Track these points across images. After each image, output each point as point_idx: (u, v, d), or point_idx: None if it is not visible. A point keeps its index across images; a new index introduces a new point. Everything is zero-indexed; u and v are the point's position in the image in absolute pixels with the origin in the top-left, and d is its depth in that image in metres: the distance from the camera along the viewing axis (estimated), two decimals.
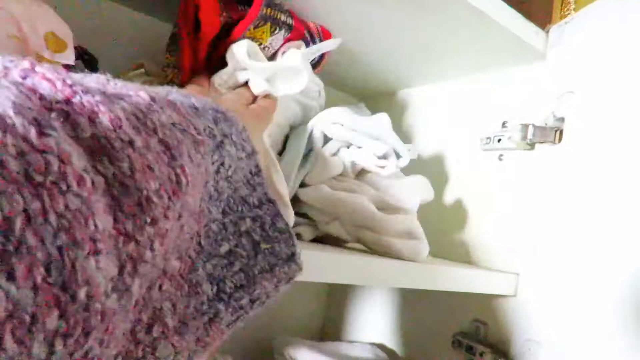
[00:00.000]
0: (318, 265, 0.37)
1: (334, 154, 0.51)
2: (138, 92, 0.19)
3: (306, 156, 0.50)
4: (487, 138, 0.62)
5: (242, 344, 0.74)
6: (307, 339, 0.71)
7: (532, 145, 0.57)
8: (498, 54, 0.60)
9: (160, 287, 0.20)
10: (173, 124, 0.20)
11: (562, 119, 0.53)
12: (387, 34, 0.58)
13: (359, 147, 0.50)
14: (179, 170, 0.19)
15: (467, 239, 0.63)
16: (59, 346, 0.13)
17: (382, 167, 0.53)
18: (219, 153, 0.24)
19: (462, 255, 0.63)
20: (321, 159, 0.48)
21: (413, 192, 0.49)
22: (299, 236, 0.49)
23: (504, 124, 0.62)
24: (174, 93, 0.23)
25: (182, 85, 0.43)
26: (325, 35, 0.53)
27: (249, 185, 0.27)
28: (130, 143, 0.17)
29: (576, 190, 0.50)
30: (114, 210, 0.15)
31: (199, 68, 0.44)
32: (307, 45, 0.50)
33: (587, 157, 0.50)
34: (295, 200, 0.49)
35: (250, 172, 0.27)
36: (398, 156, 0.56)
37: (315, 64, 0.54)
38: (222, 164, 0.25)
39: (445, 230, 0.66)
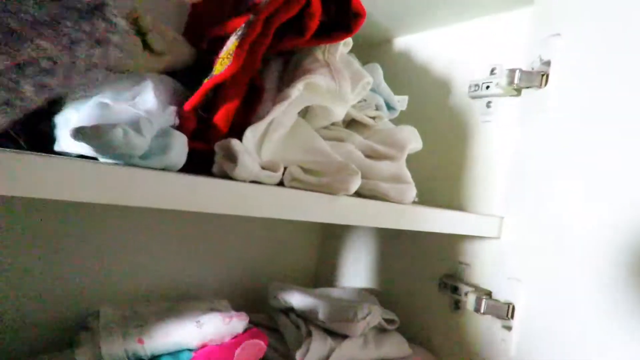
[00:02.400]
0: (308, 206, 0.38)
1: None
2: None
3: None
4: (476, 85, 0.63)
5: (239, 290, 0.77)
6: (301, 286, 0.74)
7: (518, 91, 0.57)
8: (487, 0, 0.59)
9: None
10: None
11: (548, 63, 0.53)
12: None
13: None
14: None
15: (455, 186, 0.65)
16: None
17: (373, 117, 0.53)
18: None
19: (449, 201, 0.65)
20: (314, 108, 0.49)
21: (401, 141, 0.50)
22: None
23: (492, 71, 0.63)
24: None
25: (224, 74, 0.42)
26: None
27: None
28: None
29: (560, 133, 0.51)
30: None
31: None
32: None
33: (571, 100, 0.51)
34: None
35: None
36: (389, 107, 0.56)
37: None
38: None
39: (433, 177, 0.68)
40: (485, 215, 0.57)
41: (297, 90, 0.43)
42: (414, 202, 0.49)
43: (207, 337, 0.48)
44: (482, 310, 0.54)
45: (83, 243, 0.61)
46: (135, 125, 0.33)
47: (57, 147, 0.35)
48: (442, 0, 0.62)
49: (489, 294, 0.57)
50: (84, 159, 0.31)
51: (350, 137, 0.51)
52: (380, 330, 0.62)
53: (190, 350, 0.48)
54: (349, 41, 0.50)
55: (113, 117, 0.34)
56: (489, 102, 0.62)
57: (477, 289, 0.59)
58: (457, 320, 0.61)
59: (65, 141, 0.34)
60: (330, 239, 0.87)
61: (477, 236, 0.59)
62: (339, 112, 0.47)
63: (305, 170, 0.44)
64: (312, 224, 0.87)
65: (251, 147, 0.42)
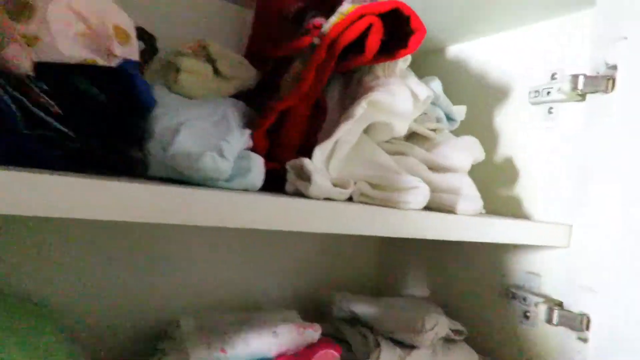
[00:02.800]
0: (377, 220, 0.39)
1: None
2: None
3: None
4: (536, 91, 0.62)
5: (302, 300, 0.80)
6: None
7: (583, 96, 0.56)
8: (546, 3, 0.59)
9: None
10: None
11: (614, 67, 0.52)
12: None
13: None
14: None
15: (520, 194, 0.64)
16: None
17: (433, 130, 0.54)
18: None
19: (515, 210, 0.64)
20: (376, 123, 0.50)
21: (463, 152, 0.51)
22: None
23: (553, 76, 0.62)
24: None
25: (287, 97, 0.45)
26: None
27: None
28: None
29: (631, 139, 0.50)
30: None
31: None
32: None
33: None
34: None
35: None
36: (448, 118, 0.57)
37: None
38: None
39: (497, 186, 0.67)
40: (553, 223, 0.56)
41: (362, 109, 0.45)
42: (480, 214, 0.50)
43: (284, 347, 0.50)
44: (554, 322, 0.53)
45: (160, 259, 0.65)
46: (220, 150, 0.36)
47: (150, 172, 0.38)
48: (496, 8, 0.62)
49: (560, 304, 0.55)
50: (176, 184, 0.34)
51: (413, 151, 0.52)
52: (448, 340, 0.62)
53: (268, 359, 0.50)
54: (407, 57, 0.52)
55: (200, 143, 0.37)
56: (551, 108, 0.61)
57: (547, 299, 0.58)
58: (526, 331, 0.60)
59: (157, 167, 0.38)
60: (390, 248, 0.88)
61: (546, 245, 0.58)
62: (402, 128, 0.48)
63: (373, 186, 0.45)
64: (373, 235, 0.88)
65: (320, 165, 0.44)
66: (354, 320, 0.68)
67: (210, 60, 0.52)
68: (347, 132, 0.46)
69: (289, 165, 0.44)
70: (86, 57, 0.34)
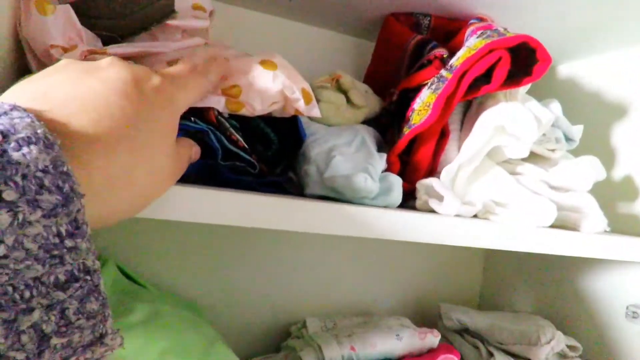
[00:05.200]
0: (481, 233, 0.43)
1: None
2: None
3: None
4: None
5: (409, 309, 0.84)
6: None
7: None
8: None
9: None
10: None
11: None
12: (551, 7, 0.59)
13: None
14: None
15: (635, 212, 0.64)
16: None
17: (552, 150, 0.56)
18: None
19: (636, 229, 0.64)
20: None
21: (583, 172, 0.53)
22: None
23: None
24: None
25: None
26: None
27: (53, 258, 0.18)
28: None
29: None
30: None
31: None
32: None
33: None
34: None
35: (59, 234, 0.18)
36: (567, 138, 0.59)
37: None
38: None
39: (618, 205, 0.67)
40: None
41: (486, 133, 0.49)
42: (605, 232, 0.51)
43: (406, 349, 0.55)
44: None
45: (285, 265, 0.73)
46: (369, 172, 0.42)
47: (306, 192, 0.45)
48: (612, 25, 0.62)
49: None
50: (331, 201, 0.40)
51: (532, 171, 0.54)
52: (563, 356, 0.63)
53: None
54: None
55: (351, 167, 0.44)
56: None
57: None
58: None
59: (313, 187, 0.45)
60: (495, 263, 0.89)
61: None
62: (524, 150, 0.51)
63: (498, 204, 0.49)
64: (477, 248, 0.90)
65: (448, 185, 0.49)
66: (463, 331, 0.71)
67: (342, 90, 0.59)
68: (471, 155, 0.50)
69: (419, 184, 0.49)
70: (270, 112, 0.42)
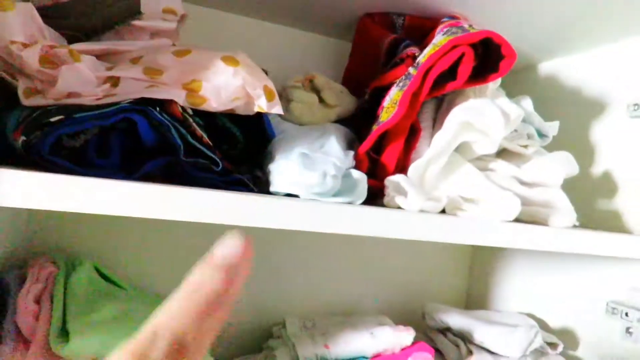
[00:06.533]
0: (468, 230, 0.43)
1: None
2: None
3: None
4: (635, 105, 0.61)
5: (395, 309, 0.84)
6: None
7: None
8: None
9: None
10: None
11: None
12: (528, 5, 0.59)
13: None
14: None
15: (619, 208, 0.63)
16: None
17: (525, 146, 0.56)
18: None
19: (616, 224, 0.64)
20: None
21: (555, 167, 0.53)
22: None
23: None
24: None
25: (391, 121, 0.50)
26: None
27: None
28: None
29: None
30: None
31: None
32: None
33: None
34: None
35: None
36: (540, 134, 0.59)
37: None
38: None
39: (596, 201, 0.67)
40: None
41: (453, 130, 0.49)
42: (574, 226, 0.51)
43: (380, 347, 0.55)
44: None
45: (269, 264, 0.74)
46: (330, 170, 0.43)
47: (271, 189, 0.46)
48: (590, 24, 0.62)
49: None
50: (291, 197, 0.41)
51: (503, 167, 0.54)
52: (543, 354, 0.63)
53: (365, 358, 0.55)
54: (497, 79, 0.55)
55: (311, 164, 0.44)
56: None
57: None
58: (628, 347, 0.59)
59: (279, 184, 0.45)
60: (481, 261, 0.89)
61: None
62: (492, 146, 0.52)
63: (465, 199, 0.49)
64: (463, 247, 0.90)
65: (416, 181, 0.49)
66: (446, 330, 0.71)
67: (316, 90, 0.60)
68: (440, 151, 0.50)
69: (387, 181, 0.49)
70: (232, 107, 0.43)
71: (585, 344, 0.65)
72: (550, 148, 0.61)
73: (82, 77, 0.38)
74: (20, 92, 0.39)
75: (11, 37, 0.37)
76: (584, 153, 0.68)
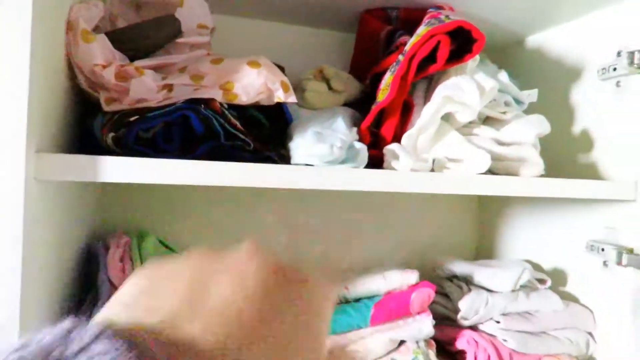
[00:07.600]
0: (451, 182, 0.55)
1: None
2: None
3: None
4: (603, 69, 0.71)
5: (409, 266, 0.95)
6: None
7: None
8: None
9: None
10: None
11: None
12: None
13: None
14: None
15: (592, 160, 0.73)
16: None
17: (504, 112, 0.67)
18: None
19: (592, 174, 0.73)
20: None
21: (526, 129, 0.63)
22: None
23: (618, 54, 0.70)
24: None
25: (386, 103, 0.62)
26: None
27: None
28: None
29: None
30: None
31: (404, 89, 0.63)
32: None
33: None
34: None
35: None
36: (517, 102, 0.69)
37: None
38: None
39: (575, 155, 0.77)
40: (620, 181, 0.65)
41: (436, 103, 0.60)
42: (541, 175, 0.61)
43: (391, 286, 0.68)
44: (623, 263, 0.63)
45: (302, 224, 0.87)
46: (336, 142, 0.55)
47: (292, 161, 0.58)
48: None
49: (631, 250, 0.64)
50: (308, 166, 0.53)
51: (483, 131, 0.65)
52: (532, 289, 0.74)
53: (378, 296, 0.68)
54: (476, 57, 0.65)
55: (322, 139, 0.56)
56: (618, 81, 0.70)
57: (621, 248, 0.66)
58: (605, 278, 0.69)
59: (297, 157, 0.57)
60: (487, 216, 0.99)
61: (617, 200, 0.67)
62: (472, 114, 0.62)
63: (450, 159, 0.61)
64: (470, 204, 1.01)
65: (409, 148, 0.61)
66: (453, 277, 0.83)
67: (325, 79, 0.72)
68: (427, 122, 0.61)
69: (386, 150, 0.61)
70: (258, 100, 0.55)
71: (571, 280, 0.76)
72: (535, 111, 0.71)
73: (146, 86, 0.51)
74: (102, 101, 0.52)
75: (95, 61, 0.50)
76: (565, 114, 0.78)
